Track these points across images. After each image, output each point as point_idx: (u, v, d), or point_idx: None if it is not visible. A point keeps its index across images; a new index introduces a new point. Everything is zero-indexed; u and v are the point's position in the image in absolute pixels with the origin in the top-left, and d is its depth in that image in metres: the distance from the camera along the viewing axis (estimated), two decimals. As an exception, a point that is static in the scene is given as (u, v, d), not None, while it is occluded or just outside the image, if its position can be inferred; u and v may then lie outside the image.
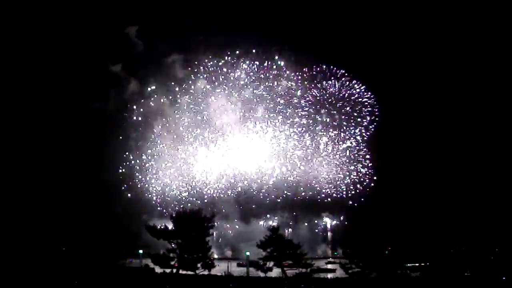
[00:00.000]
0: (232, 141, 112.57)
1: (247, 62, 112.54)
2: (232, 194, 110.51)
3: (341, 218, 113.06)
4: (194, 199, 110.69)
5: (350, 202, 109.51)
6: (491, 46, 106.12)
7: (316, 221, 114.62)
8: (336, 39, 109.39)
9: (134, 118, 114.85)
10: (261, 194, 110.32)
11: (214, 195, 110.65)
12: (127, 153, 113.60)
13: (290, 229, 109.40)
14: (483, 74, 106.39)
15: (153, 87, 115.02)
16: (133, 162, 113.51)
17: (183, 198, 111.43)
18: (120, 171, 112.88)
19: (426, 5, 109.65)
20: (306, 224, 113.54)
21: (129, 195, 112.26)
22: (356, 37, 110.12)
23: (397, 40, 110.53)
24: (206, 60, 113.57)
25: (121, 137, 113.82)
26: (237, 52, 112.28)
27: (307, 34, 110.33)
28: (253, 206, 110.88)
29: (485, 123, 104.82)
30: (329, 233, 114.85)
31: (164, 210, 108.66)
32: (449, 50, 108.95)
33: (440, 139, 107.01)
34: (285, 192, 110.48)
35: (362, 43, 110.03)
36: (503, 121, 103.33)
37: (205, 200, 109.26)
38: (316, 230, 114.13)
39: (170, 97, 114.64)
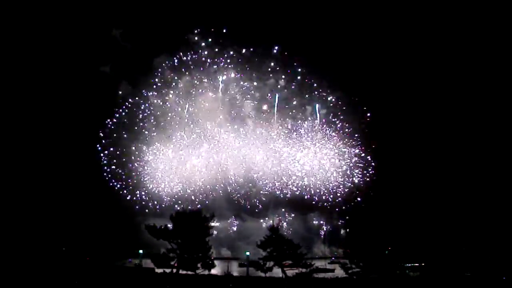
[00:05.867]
0: (221, 140, 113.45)
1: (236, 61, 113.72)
2: (222, 193, 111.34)
3: (337, 217, 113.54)
4: (188, 195, 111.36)
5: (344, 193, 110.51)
6: (482, 41, 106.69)
7: (315, 223, 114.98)
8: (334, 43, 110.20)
9: (126, 120, 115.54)
10: (251, 193, 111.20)
11: (209, 191, 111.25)
12: (122, 154, 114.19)
13: (285, 228, 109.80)
14: (482, 72, 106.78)
15: (143, 88, 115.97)
16: (127, 161, 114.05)
17: (178, 197, 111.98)
18: (118, 171, 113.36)
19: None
20: (309, 222, 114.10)
21: (126, 194, 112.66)
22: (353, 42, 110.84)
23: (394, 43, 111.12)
24: (193, 59, 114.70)
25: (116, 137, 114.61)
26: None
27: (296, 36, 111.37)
28: (247, 205, 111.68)
29: (484, 123, 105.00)
30: (326, 233, 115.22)
31: (159, 210, 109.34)
32: (448, 47, 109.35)
33: (440, 139, 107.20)
34: (279, 191, 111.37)
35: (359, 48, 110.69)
36: (503, 121, 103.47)
37: (197, 200, 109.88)
38: (313, 229, 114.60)
39: (160, 98, 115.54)
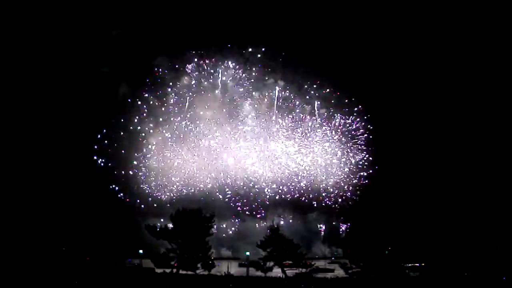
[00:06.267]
0: (221, 140, 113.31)
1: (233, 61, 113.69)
2: (221, 193, 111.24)
3: (337, 217, 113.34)
4: (188, 195, 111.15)
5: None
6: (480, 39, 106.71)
7: (315, 223, 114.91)
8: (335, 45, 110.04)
9: (125, 120, 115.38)
10: (252, 193, 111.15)
11: (208, 192, 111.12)
12: (121, 154, 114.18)
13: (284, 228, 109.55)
14: (481, 70, 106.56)
15: (142, 89, 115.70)
16: (126, 162, 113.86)
17: (178, 197, 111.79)
18: (117, 172, 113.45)
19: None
20: (309, 222, 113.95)
21: (125, 194, 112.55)
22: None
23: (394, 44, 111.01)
24: (192, 59, 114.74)
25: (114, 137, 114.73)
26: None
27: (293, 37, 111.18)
28: (246, 206, 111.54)
29: (485, 122, 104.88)
30: (326, 233, 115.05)
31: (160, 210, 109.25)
32: (446, 44, 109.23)
33: (439, 139, 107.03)
34: (276, 191, 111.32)
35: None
36: (503, 121, 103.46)
37: (197, 200, 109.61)
38: (313, 230, 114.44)
39: (159, 98, 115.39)
